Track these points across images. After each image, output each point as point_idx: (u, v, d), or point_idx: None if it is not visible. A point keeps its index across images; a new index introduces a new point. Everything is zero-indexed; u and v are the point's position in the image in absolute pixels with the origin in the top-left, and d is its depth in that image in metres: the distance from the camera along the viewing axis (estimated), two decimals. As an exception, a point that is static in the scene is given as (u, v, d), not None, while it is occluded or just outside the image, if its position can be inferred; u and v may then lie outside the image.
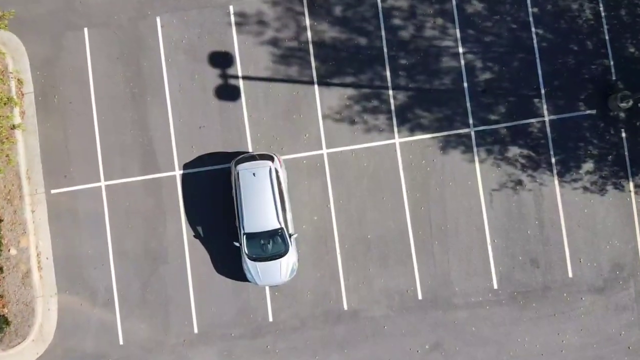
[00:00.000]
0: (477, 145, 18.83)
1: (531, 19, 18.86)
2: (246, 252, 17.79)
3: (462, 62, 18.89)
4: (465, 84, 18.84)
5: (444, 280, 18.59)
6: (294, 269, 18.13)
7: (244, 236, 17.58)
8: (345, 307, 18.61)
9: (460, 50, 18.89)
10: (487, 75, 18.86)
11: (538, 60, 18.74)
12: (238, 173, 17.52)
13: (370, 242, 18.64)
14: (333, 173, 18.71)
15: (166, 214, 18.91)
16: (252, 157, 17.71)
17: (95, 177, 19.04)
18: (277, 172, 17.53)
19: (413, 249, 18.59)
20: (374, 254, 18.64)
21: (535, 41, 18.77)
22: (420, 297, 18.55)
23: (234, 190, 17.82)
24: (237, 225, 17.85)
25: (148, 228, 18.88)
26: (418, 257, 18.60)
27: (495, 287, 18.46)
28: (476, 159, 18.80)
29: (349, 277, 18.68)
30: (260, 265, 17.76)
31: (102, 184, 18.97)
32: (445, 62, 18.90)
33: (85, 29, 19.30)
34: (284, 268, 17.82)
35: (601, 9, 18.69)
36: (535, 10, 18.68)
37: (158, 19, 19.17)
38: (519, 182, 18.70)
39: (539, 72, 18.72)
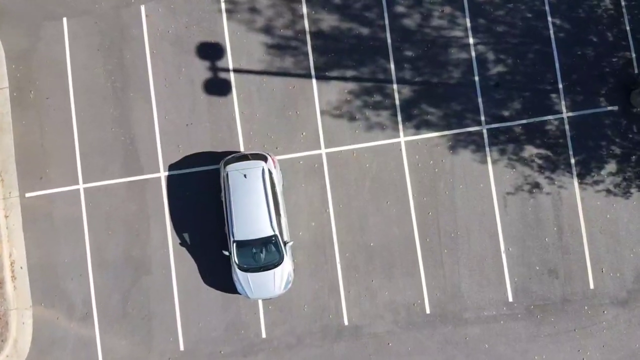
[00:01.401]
0: (490, 145, 18.17)
1: (547, 7, 18.35)
2: (236, 261, 17.06)
3: (473, 53, 18.32)
4: (476, 78, 18.26)
5: (454, 292, 17.85)
6: (289, 280, 17.35)
7: (234, 244, 16.87)
8: (346, 322, 17.87)
9: (471, 41, 18.34)
10: (499, 69, 18.26)
11: (555, 52, 18.24)
12: (227, 174, 16.86)
13: (373, 250, 17.95)
14: (332, 175, 18.09)
15: (150, 220, 18.24)
16: (244, 157, 17.12)
17: (73, 179, 18.44)
18: (270, 173, 16.91)
19: (420, 258, 17.90)
20: (377, 264, 17.93)
21: (551, 32, 18.28)
22: (428, 311, 17.83)
23: (223, 194, 17.15)
24: (227, 232, 17.13)
25: (130, 235, 18.23)
26: (425, 267, 17.90)
27: (510, 300, 17.78)
28: (489, 159, 18.14)
29: (349, 289, 17.95)
30: (252, 276, 17.02)
31: (81, 186, 18.42)
32: (455, 54, 18.31)
33: (65, 19, 18.89)
34: (278, 279, 17.04)
35: (621, -3, 18.32)
36: (552, -2, 18.43)
37: (142, 8, 18.76)
38: (536, 185, 18.05)
39: (556, 65, 18.21)
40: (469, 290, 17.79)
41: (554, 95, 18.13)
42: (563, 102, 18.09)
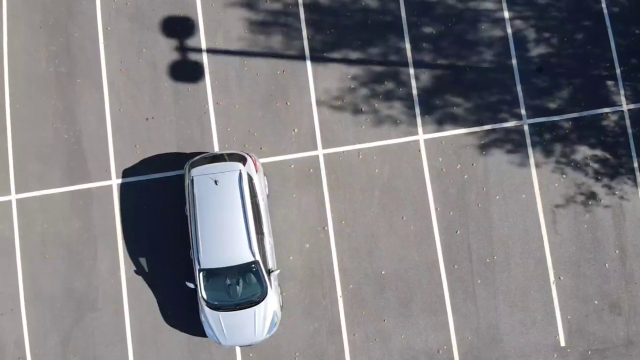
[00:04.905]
0: (533, 145, 15.93)
1: (597, -24, 16.37)
2: (204, 297, 14.32)
3: (509, 30, 16.18)
4: (514, 61, 16.11)
5: (491, 334, 15.45)
6: (274, 322, 14.67)
7: (201, 273, 14.16)
8: (350, 374, 15.61)
9: (506, 15, 16.18)
10: (542, 50, 16.04)
11: (610, 31, 15.96)
12: (193, 180, 14.30)
13: (386, 280, 15.69)
14: (332, 182, 16.10)
15: (97, 240, 16.08)
16: (216, 158, 14.59)
17: (4, 188, 16.40)
18: (250, 179, 14.33)
19: (446, 290, 15.62)
20: (390, 298, 15.64)
21: (604, 5, 16.06)
22: (457, 358, 15.37)
23: (187, 206, 14.53)
24: (192, 257, 14.44)
25: (72, 260, 16.04)
26: (453, 302, 15.60)
27: (563, 344, 15.31)
28: (531, 162, 15.88)
29: (355, 331, 15.55)
30: (225, 316, 14.23)
31: (13, 197, 16.34)
32: (486, 31, 16.21)
33: (4, -8, 17.09)
34: (260, 320, 14.36)
35: (685, -34, 16.16)
36: (602, -35, 16.47)
37: (96, -24, 17.07)
38: (592, 195, 15.70)
39: (612, 45, 15.91)
40: (509, 332, 15.27)
41: (610, 83, 15.66)
42: (622, 92, 15.62)
